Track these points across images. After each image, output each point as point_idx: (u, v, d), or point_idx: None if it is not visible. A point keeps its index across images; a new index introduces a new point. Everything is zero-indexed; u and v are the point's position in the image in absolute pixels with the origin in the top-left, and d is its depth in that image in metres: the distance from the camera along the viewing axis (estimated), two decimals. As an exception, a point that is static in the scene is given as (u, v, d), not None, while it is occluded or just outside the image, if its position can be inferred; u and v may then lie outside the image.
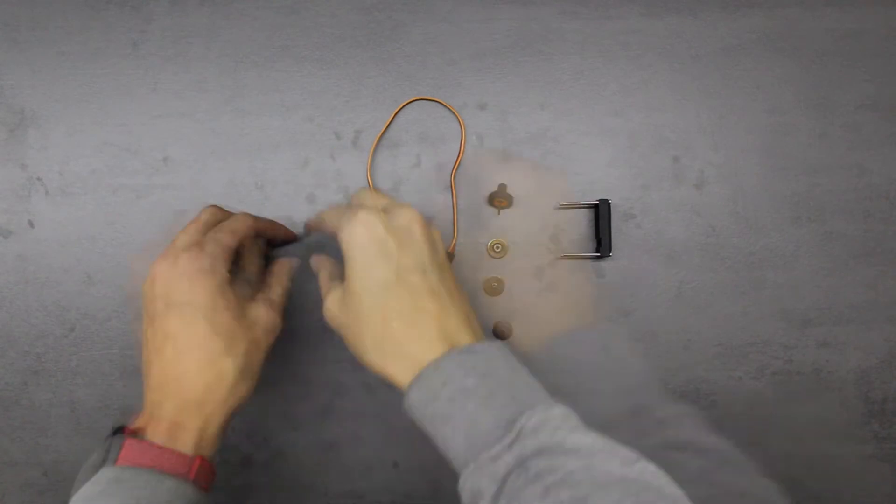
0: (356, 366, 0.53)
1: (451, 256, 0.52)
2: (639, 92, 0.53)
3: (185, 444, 0.39)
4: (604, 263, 0.53)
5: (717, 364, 0.53)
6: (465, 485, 0.34)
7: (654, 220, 0.53)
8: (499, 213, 0.53)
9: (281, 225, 0.50)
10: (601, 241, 0.52)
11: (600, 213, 0.52)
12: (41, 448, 0.53)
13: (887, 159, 0.53)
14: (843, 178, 0.53)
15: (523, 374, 0.37)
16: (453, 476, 0.53)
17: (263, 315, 0.43)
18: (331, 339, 0.52)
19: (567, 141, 0.53)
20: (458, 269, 0.53)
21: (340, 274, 0.42)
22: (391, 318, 0.38)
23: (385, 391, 0.53)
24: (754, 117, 0.53)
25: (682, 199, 0.53)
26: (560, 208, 0.53)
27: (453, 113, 0.52)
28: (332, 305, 0.41)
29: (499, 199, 0.52)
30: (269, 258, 0.50)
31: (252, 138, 0.53)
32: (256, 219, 0.46)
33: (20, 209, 0.53)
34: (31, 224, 0.53)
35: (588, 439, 0.32)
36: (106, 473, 0.36)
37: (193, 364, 0.39)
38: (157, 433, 0.38)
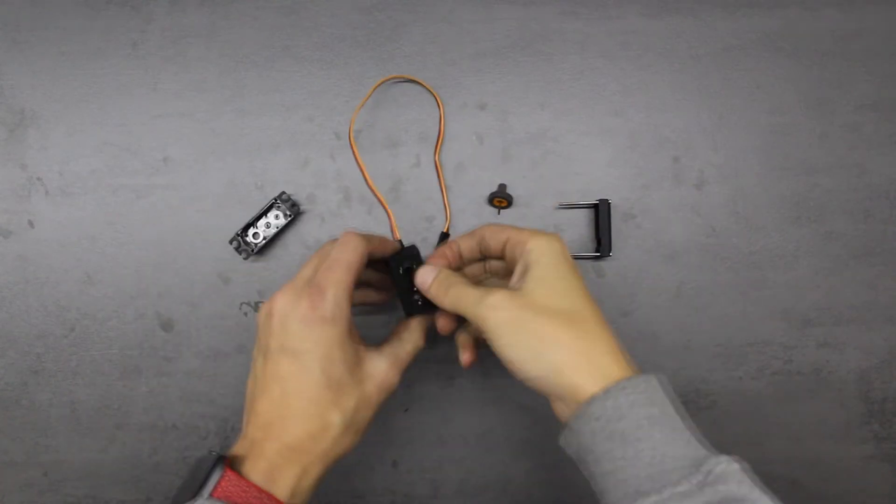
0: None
1: (445, 236, 0.51)
2: (639, 92, 0.53)
3: (282, 489, 0.37)
4: (604, 263, 0.53)
5: (717, 364, 0.53)
6: None
7: (654, 220, 0.53)
8: (499, 213, 0.53)
9: (389, 240, 0.45)
10: (601, 241, 0.52)
11: (600, 212, 0.52)
12: (41, 448, 0.53)
13: (887, 159, 0.53)
14: (843, 178, 0.53)
15: (686, 418, 0.37)
16: (453, 476, 0.53)
17: (382, 371, 0.41)
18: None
19: (567, 141, 0.53)
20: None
21: (479, 284, 0.42)
22: (593, 323, 0.38)
23: (385, 391, 0.53)
24: (754, 117, 0.53)
25: (682, 199, 0.53)
26: (560, 208, 0.53)
27: (431, 93, 0.52)
28: (507, 303, 0.38)
29: (499, 199, 0.52)
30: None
31: (252, 138, 0.53)
32: (368, 240, 0.42)
33: (20, 209, 0.53)
34: (31, 224, 0.53)
35: (768, 499, 0.33)
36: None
37: (300, 412, 0.38)
38: (255, 471, 0.37)
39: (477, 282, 0.46)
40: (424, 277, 0.43)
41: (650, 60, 0.53)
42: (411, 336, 0.44)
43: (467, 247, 0.45)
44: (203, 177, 0.53)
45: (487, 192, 0.53)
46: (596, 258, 0.53)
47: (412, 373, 0.53)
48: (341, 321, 0.39)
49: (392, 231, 0.52)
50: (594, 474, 0.37)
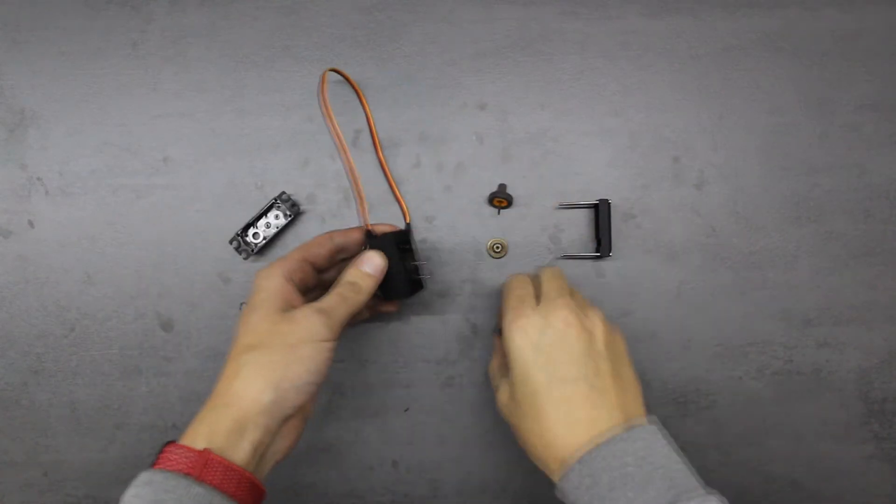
0: (356, 366, 0.53)
1: (408, 227, 0.50)
2: (639, 92, 0.53)
3: (194, 439, 0.38)
4: (604, 263, 0.53)
5: (717, 364, 0.53)
6: None
7: (654, 220, 0.53)
8: (499, 212, 0.53)
9: (351, 229, 0.48)
10: (601, 241, 0.52)
11: (600, 213, 0.52)
12: (41, 448, 0.53)
13: (887, 159, 0.53)
14: (843, 178, 0.53)
15: (675, 459, 0.38)
16: (453, 476, 0.53)
17: (304, 315, 0.41)
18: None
19: (567, 141, 0.53)
20: (457, 269, 0.53)
21: (502, 368, 0.46)
22: (546, 421, 0.40)
23: (384, 391, 0.53)
24: (754, 117, 0.53)
25: (682, 199, 0.53)
26: (560, 208, 0.53)
27: (352, 85, 0.52)
28: (503, 403, 0.44)
29: (499, 199, 0.52)
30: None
31: (252, 138, 0.53)
32: (330, 234, 0.46)
33: (20, 209, 0.53)
34: (31, 224, 0.53)
35: None
36: (142, 476, 0.36)
37: (226, 364, 0.40)
38: (196, 441, 0.38)
39: None
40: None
41: (650, 60, 0.53)
42: (344, 281, 0.44)
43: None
44: (203, 177, 0.53)
45: (487, 192, 0.53)
46: (596, 258, 0.53)
47: (412, 373, 0.53)
48: (278, 275, 0.42)
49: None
50: None
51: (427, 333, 0.53)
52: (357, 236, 0.47)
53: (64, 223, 0.53)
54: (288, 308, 0.41)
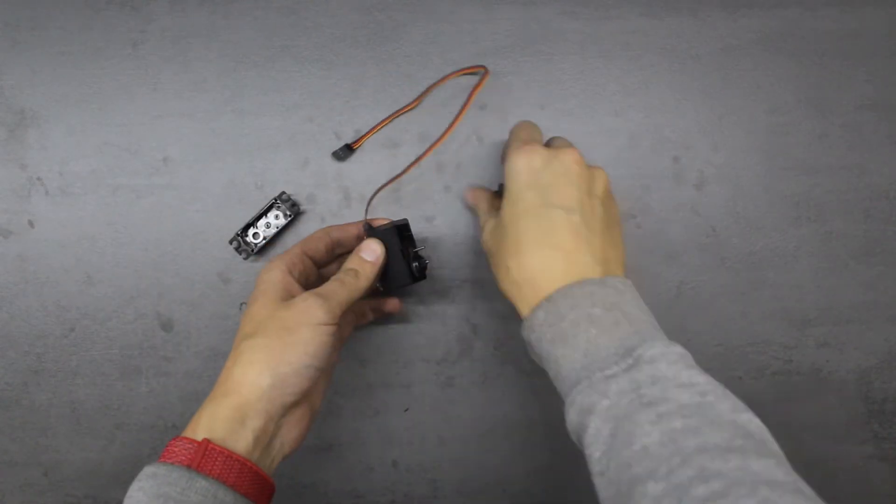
0: (356, 366, 0.53)
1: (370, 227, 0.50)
2: (639, 92, 0.53)
3: (197, 429, 0.37)
4: (604, 263, 0.53)
5: (717, 364, 0.53)
6: (576, 400, 0.35)
7: (654, 220, 0.53)
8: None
9: (347, 225, 0.49)
10: None
11: None
12: (41, 448, 0.53)
13: (887, 159, 0.53)
14: (843, 178, 0.53)
15: (646, 313, 0.39)
16: (453, 476, 0.53)
17: (305, 301, 0.40)
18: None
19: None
20: (457, 269, 0.53)
21: (498, 206, 0.44)
22: (527, 247, 0.40)
23: (384, 391, 0.53)
24: (754, 117, 0.53)
25: (682, 199, 0.53)
26: None
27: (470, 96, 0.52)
28: (487, 234, 0.44)
29: (499, 198, 0.52)
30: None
31: (252, 138, 0.53)
32: (326, 229, 0.48)
33: (20, 209, 0.53)
34: (31, 224, 0.53)
35: (703, 378, 0.34)
36: (146, 469, 0.36)
37: (231, 354, 0.41)
38: (197, 432, 0.38)
39: None
40: (465, 194, 0.51)
41: (650, 60, 0.53)
42: (344, 268, 0.44)
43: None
44: (203, 177, 0.53)
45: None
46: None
47: (412, 373, 0.53)
48: (278, 268, 0.43)
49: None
50: (552, 378, 0.39)
51: (427, 333, 0.53)
52: (354, 231, 0.48)
53: (64, 223, 0.53)
54: (288, 298, 0.42)
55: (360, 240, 0.46)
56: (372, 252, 0.45)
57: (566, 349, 0.37)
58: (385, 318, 0.53)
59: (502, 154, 0.45)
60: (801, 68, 0.53)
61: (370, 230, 0.46)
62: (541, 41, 0.53)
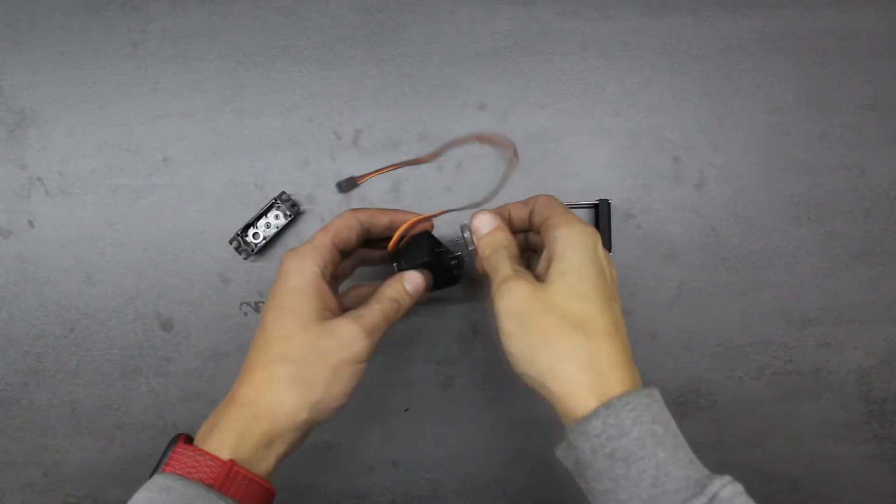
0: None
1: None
2: (639, 92, 0.53)
3: (218, 446, 0.36)
4: (604, 263, 0.53)
5: (717, 364, 0.53)
6: None
7: (654, 220, 0.53)
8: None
9: (380, 211, 0.44)
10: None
11: (600, 213, 0.52)
12: (41, 448, 0.53)
13: (887, 159, 0.53)
14: (843, 178, 0.53)
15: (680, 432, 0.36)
16: (453, 476, 0.53)
17: (343, 327, 0.38)
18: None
19: (567, 141, 0.53)
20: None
21: (522, 264, 0.40)
22: (601, 333, 0.36)
23: (384, 391, 0.53)
24: (754, 117, 0.53)
25: (682, 199, 0.53)
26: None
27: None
28: (524, 293, 0.37)
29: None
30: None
31: (252, 138, 0.53)
32: (357, 211, 0.43)
33: (20, 209, 0.53)
34: (31, 224, 0.53)
35: None
36: (158, 480, 0.35)
37: (251, 365, 0.39)
38: (201, 434, 0.37)
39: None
40: (480, 225, 0.42)
41: (650, 60, 0.53)
42: (381, 296, 0.42)
43: (518, 216, 0.44)
44: (203, 177, 0.53)
45: (487, 193, 0.53)
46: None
47: (412, 373, 0.53)
48: (312, 270, 0.39)
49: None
50: (593, 490, 0.35)
51: (427, 333, 0.53)
52: (385, 220, 0.44)
53: (64, 223, 0.53)
54: (325, 314, 0.39)
55: (391, 230, 0.44)
56: (414, 286, 0.43)
57: (630, 470, 0.33)
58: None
59: (549, 220, 0.40)
60: (801, 68, 0.53)
61: (399, 261, 0.44)
62: (541, 41, 0.53)
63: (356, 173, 0.53)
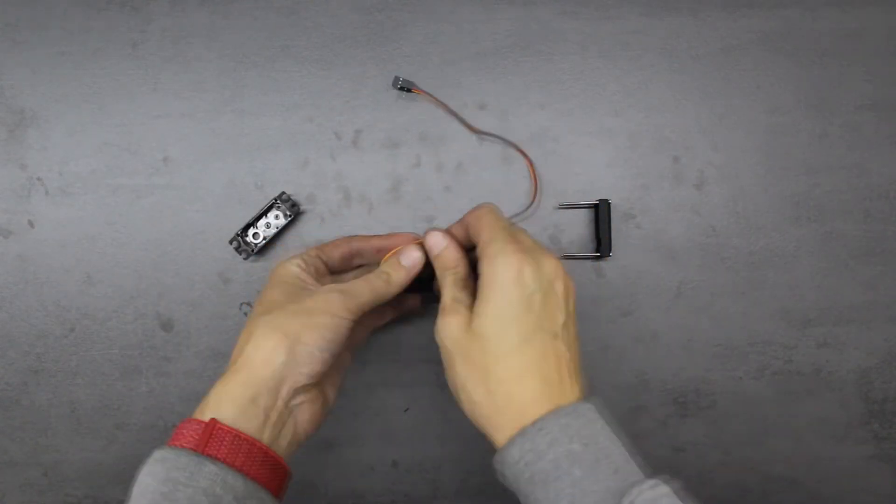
0: (356, 366, 0.53)
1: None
2: (639, 92, 0.53)
3: (209, 409, 0.37)
4: (603, 263, 0.53)
5: (717, 364, 0.53)
6: None
7: (654, 220, 0.53)
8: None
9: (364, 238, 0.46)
10: (601, 241, 0.52)
11: (600, 212, 0.52)
12: (41, 448, 0.53)
13: (887, 159, 0.53)
14: (843, 178, 0.53)
15: (619, 443, 0.36)
16: (453, 476, 0.53)
17: (326, 292, 0.40)
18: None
19: (567, 141, 0.53)
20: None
21: (466, 290, 0.40)
22: (511, 369, 0.37)
23: (384, 391, 0.53)
24: (754, 117, 0.53)
25: (682, 199, 0.53)
26: (560, 208, 0.53)
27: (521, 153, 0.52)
28: (455, 330, 0.38)
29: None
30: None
31: (252, 138, 0.53)
32: (350, 240, 0.46)
33: (20, 209, 0.53)
34: (31, 224, 0.53)
35: None
36: (155, 454, 0.36)
37: (243, 334, 0.40)
38: (205, 412, 0.37)
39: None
40: (431, 246, 0.42)
41: (650, 60, 0.53)
42: (378, 269, 0.43)
43: (460, 236, 0.43)
44: (203, 177, 0.53)
45: (487, 192, 0.53)
46: (596, 258, 0.53)
47: (412, 373, 0.53)
48: (296, 264, 0.42)
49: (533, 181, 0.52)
50: None
51: (427, 333, 0.53)
52: (377, 244, 0.46)
53: (64, 223, 0.53)
54: (306, 288, 0.42)
55: (381, 254, 0.45)
56: (410, 259, 0.43)
57: (549, 492, 0.34)
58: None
59: (479, 244, 0.40)
60: (801, 68, 0.53)
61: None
62: (541, 41, 0.53)
63: (356, 173, 0.53)
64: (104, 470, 0.53)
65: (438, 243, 0.42)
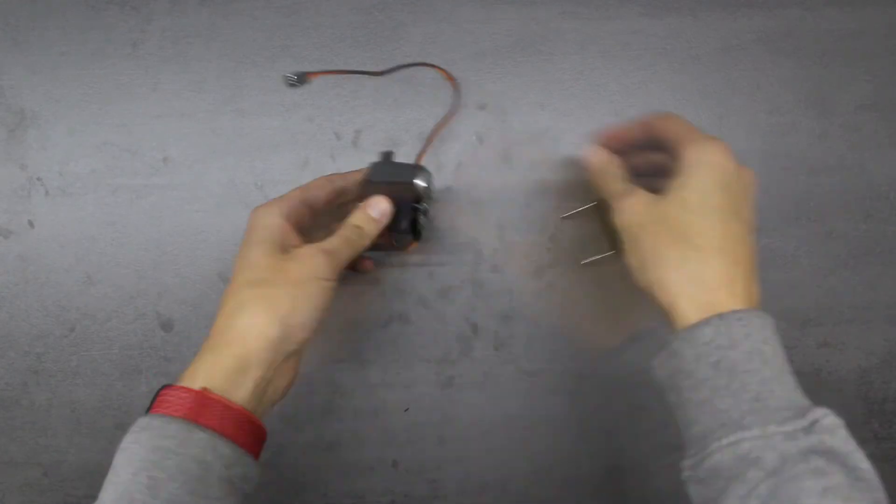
0: (356, 366, 0.53)
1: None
2: (639, 92, 0.53)
3: (193, 377, 0.37)
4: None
5: (717, 364, 0.53)
6: (741, 446, 0.33)
7: (654, 220, 0.53)
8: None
9: (349, 173, 0.46)
10: (613, 238, 0.51)
11: (600, 212, 0.51)
12: (41, 448, 0.53)
13: (887, 159, 0.53)
14: (843, 178, 0.53)
15: (790, 368, 0.36)
16: (453, 476, 0.53)
17: (307, 251, 0.40)
18: (331, 338, 0.52)
19: (567, 141, 0.53)
20: (457, 269, 0.53)
21: (630, 183, 0.42)
22: (710, 246, 0.36)
23: (384, 391, 0.53)
24: (754, 117, 0.53)
25: (682, 199, 0.53)
26: (565, 217, 0.52)
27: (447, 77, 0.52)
28: (641, 206, 0.39)
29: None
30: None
31: (252, 138, 0.53)
32: (331, 179, 0.46)
33: (20, 209, 0.53)
34: (31, 224, 0.53)
35: (869, 465, 0.32)
36: (139, 422, 0.36)
37: (223, 297, 0.40)
38: (194, 381, 0.37)
39: (640, 173, 0.45)
40: (590, 156, 0.44)
41: (650, 60, 0.53)
42: (349, 224, 0.43)
43: (631, 136, 0.45)
44: (203, 177, 0.53)
45: (488, 193, 0.53)
46: (613, 255, 0.52)
47: (412, 373, 0.53)
48: (275, 213, 0.41)
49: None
50: (687, 401, 0.36)
51: (427, 333, 0.53)
52: (357, 177, 0.46)
53: (64, 223, 0.53)
54: (287, 247, 0.41)
55: (360, 188, 0.45)
56: (379, 210, 0.43)
57: (733, 382, 0.34)
58: (384, 315, 0.52)
59: (675, 137, 0.40)
60: (801, 68, 0.53)
61: (370, 185, 0.45)
62: (541, 41, 0.53)
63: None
64: (104, 470, 0.53)
65: (591, 155, 0.44)
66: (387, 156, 0.46)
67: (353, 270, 0.51)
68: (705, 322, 0.35)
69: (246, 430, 0.37)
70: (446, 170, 0.53)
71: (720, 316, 0.35)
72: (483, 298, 0.53)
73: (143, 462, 0.34)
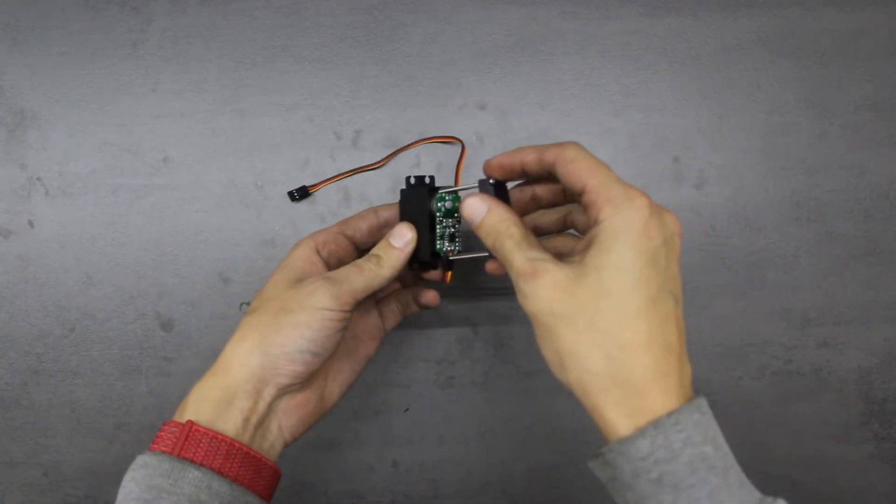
0: (356, 366, 0.53)
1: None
2: (639, 92, 0.53)
3: (190, 412, 0.36)
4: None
5: (717, 364, 0.53)
6: None
7: (654, 220, 0.53)
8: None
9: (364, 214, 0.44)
10: None
11: None
12: (41, 448, 0.53)
13: (887, 159, 0.53)
14: (843, 178, 0.53)
15: (728, 448, 0.32)
16: (453, 476, 0.53)
17: (312, 285, 0.38)
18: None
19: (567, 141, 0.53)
20: (457, 270, 0.53)
21: (537, 247, 0.34)
22: (638, 334, 0.31)
23: (384, 391, 0.53)
24: (754, 117, 0.53)
25: (682, 199, 0.53)
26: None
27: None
28: (550, 291, 0.32)
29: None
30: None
31: (252, 138, 0.53)
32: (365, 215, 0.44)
33: (20, 209, 0.53)
34: (31, 224, 0.53)
35: None
36: (138, 459, 0.35)
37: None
38: (184, 414, 0.36)
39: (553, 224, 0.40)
40: (472, 212, 0.36)
41: (650, 60, 0.53)
42: (370, 254, 0.40)
43: (523, 166, 0.37)
44: (203, 177, 0.53)
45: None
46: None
47: (412, 373, 0.53)
48: (305, 245, 0.41)
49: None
50: None
51: (427, 333, 0.53)
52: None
53: (64, 223, 0.53)
54: (304, 278, 0.39)
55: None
56: (401, 237, 0.40)
57: (680, 499, 0.29)
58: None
59: (585, 190, 0.34)
60: (801, 68, 0.53)
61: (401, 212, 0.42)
62: (541, 41, 0.53)
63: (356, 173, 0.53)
64: (104, 470, 0.53)
65: (479, 207, 0.36)
66: (419, 180, 0.42)
67: (418, 307, 0.47)
68: (640, 434, 0.30)
69: (239, 463, 0.35)
70: (446, 170, 0.53)
71: (655, 425, 0.30)
72: (483, 298, 0.53)
73: (138, 502, 0.33)
